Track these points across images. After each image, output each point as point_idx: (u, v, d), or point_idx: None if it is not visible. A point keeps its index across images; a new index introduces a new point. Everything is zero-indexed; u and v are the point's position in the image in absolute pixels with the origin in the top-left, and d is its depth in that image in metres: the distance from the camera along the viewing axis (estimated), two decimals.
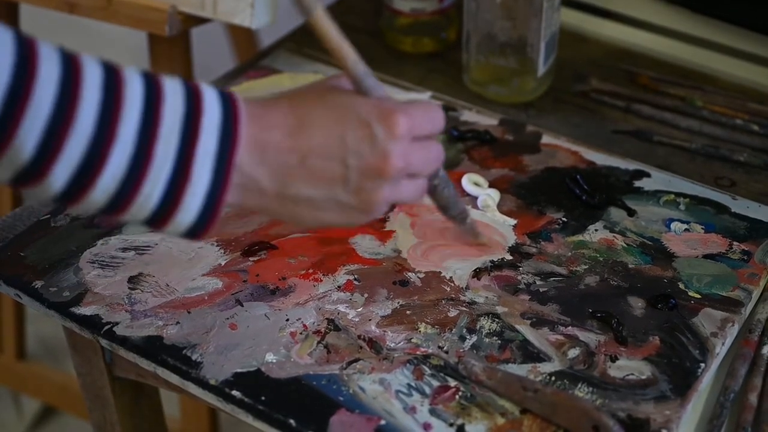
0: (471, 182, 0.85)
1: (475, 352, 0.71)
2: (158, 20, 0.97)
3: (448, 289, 0.76)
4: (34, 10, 1.08)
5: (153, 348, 0.72)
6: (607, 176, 0.87)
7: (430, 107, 0.66)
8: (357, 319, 0.73)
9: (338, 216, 0.65)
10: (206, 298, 0.75)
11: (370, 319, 0.73)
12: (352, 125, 0.63)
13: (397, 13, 1.03)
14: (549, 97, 0.98)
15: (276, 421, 0.67)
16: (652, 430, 0.66)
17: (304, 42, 1.05)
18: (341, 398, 0.68)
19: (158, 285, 0.76)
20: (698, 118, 0.96)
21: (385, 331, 0.72)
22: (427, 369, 0.70)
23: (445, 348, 0.71)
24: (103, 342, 0.74)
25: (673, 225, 0.82)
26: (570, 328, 0.73)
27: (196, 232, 0.61)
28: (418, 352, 0.71)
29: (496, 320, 0.73)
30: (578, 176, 0.86)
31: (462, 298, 0.75)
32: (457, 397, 0.68)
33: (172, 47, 1.04)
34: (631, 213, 0.83)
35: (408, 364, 0.70)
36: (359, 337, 0.72)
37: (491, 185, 0.85)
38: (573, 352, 0.71)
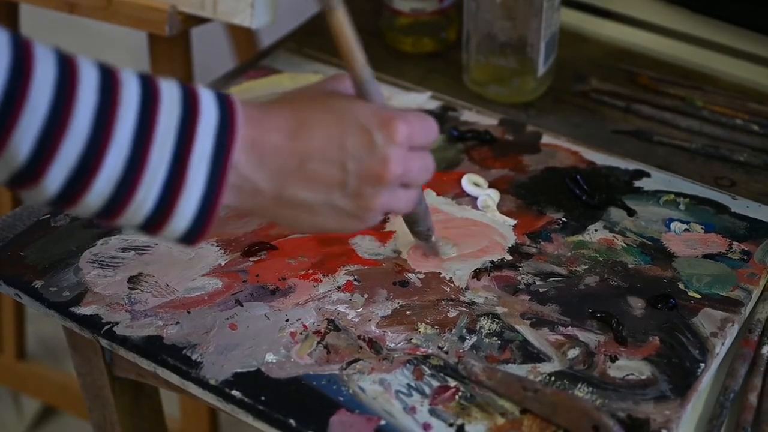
0: (471, 182, 0.85)
1: (474, 352, 0.71)
2: (158, 20, 0.97)
3: (448, 289, 0.76)
4: (34, 10, 1.08)
5: (153, 348, 0.72)
6: (607, 176, 0.87)
7: (426, 118, 0.66)
8: (357, 320, 0.73)
9: (334, 221, 0.65)
10: (206, 298, 0.75)
11: (369, 320, 0.73)
12: (352, 130, 0.62)
13: (397, 13, 1.03)
14: (549, 97, 0.98)
15: (276, 421, 0.67)
16: (652, 430, 0.66)
17: (304, 42, 1.05)
18: (341, 398, 0.68)
19: (158, 285, 0.76)
20: (698, 118, 0.96)
21: (384, 332, 0.72)
22: (426, 369, 0.70)
23: (444, 348, 0.71)
24: (103, 342, 0.74)
25: (673, 225, 0.82)
26: (570, 328, 0.73)
27: (191, 237, 0.61)
28: (417, 353, 0.71)
29: (496, 320, 0.73)
30: (578, 176, 0.86)
31: (462, 298, 0.75)
32: (456, 397, 0.68)
33: (172, 47, 1.04)
34: (631, 213, 0.83)
35: (408, 365, 0.70)
36: (359, 337, 0.72)
37: (491, 185, 0.85)
38: (573, 353, 0.71)
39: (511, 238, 0.81)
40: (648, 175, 0.87)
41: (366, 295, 0.75)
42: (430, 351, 0.71)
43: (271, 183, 0.62)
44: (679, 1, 1.02)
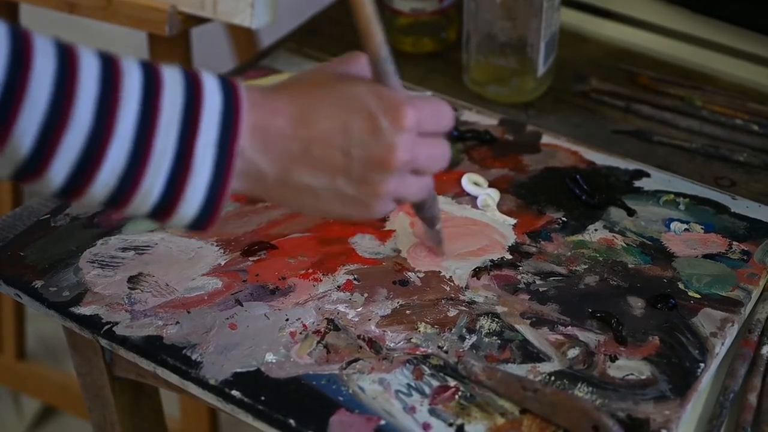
0: (471, 182, 0.85)
1: (474, 351, 0.71)
2: (158, 20, 0.97)
3: (448, 288, 0.76)
4: (34, 10, 1.08)
5: (153, 348, 0.72)
6: (607, 176, 0.87)
7: (439, 104, 0.65)
8: (357, 319, 0.73)
9: (340, 207, 0.64)
10: (206, 297, 0.75)
11: (369, 319, 0.73)
12: (358, 115, 0.61)
13: (397, 13, 1.03)
14: (549, 97, 0.98)
15: (276, 421, 0.67)
16: (652, 430, 0.66)
17: (304, 42, 1.05)
18: (341, 398, 0.68)
19: (158, 285, 0.76)
20: (698, 118, 0.96)
21: (384, 331, 0.72)
22: (426, 369, 0.70)
23: (444, 348, 0.71)
24: (103, 342, 0.74)
25: (672, 225, 0.82)
26: (570, 327, 0.73)
27: (200, 223, 0.61)
28: (417, 352, 0.71)
29: (496, 320, 0.73)
30: (578, 176, 0.86)
31: (461, 297, 0.75)
32: (456, 397, 0.68)
33: (172, 47, 1.04)
34: (630, 213, 0.83)
35: (408, 364, 0.70)
36: (359, 336, 0.72)
37: (491, 185, 0.85)
38: (573, 352, 0.71)
39: (511, 238, 0.81)
40: (648, 175, 0.87)
41: (366, 295, 0.75)
42: (429, 350, 0.71)
43: (276, 168, 0.61)
44: (679, 1, 1.03)
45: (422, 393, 0.68)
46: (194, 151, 0.58)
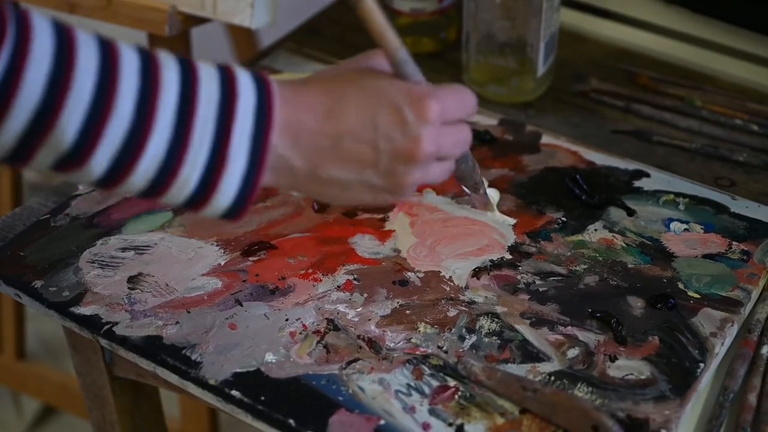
0: None
1: (474, 351, 0.71)
2: (158, 20, 0.97)
3: (448, 288, 0.76)
4: (34, 10, 1.08)
5: (152, 348, 0.72)
6: (607, 176, 0.87)
7: (462, 91, 0.67)
8: (356, 319, 0.73)
9: (368, 196, 0.66)
10: (206, 298, 0.75)
11: (369, 319, 0.73)
12: (384, 109, 0.63)
13: (397, 13, 1.03)
14: (548, 97, 0.98)
15: (275, 421, 0.67)
16: (652, 430, 0.66)
17: (304, 42, 1.05)
18: (341, 398, 0.68)
19: (158, 285, 0.76)
20: (698, 118, 0.96)
21: (384, 331, 0.72)
22: (426, 369, 0.70)
23: (444, 348, 0.71)
24: (103, 342, 0.74)
25: (672, 225, 0.82)
26: (569, 327, 0.73)
27: (232, 213, 0.63)
28: (417, 352, 0.71)
29: (496, 320, 0.73)
30: (578, 176, 0.86)
31: (461, 297, 0.75)
32: (456, 396, 0.68)
33: (172, 47, 1.04)
34: (630, 213, 0.83)
35: (407, 364, 0.70)
36: (359, 336, 0.72)
37: (491, 185, 0.85)
38: (572, 352, 0.71)
39: (511, 238, 0.81)
40: (647, 175, 0.87)
41: (365, 295, 0.75)
42: (429, 350, 0.71)
43: (306, 162, 0.63)
44: (679, 1, 1.03)
45: (422, 393, 0.68)
46: (230, 143, 0.60)
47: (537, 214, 0.83)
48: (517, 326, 0.73)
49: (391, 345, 0.72)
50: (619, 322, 0.73)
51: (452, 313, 0.74)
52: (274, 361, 0.70)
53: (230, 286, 0.76)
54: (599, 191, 0.85)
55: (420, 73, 0.66)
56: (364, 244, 0.80)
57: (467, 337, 0.72)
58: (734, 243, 0.80)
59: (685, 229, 0.82)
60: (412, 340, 0.72)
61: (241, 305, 0.74)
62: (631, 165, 0.88)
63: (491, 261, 0.78)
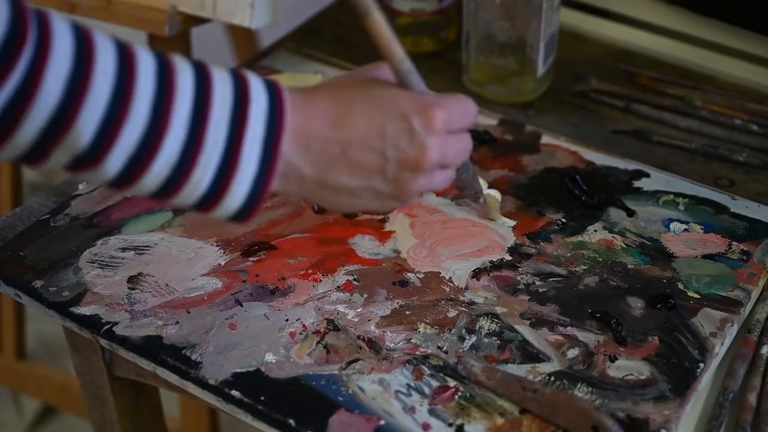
0: None
1: (474, 352, 0.71)
2: (158, 20, 0.97)
3: (448, 289, 0.76)
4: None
5: (152, 348, 0.72)
6: (607, 176, 0.87)
7: (465, 100, 0.68)
8: (356, 320, 0.73)
9: (375, 203, 0.67)
10: (206, 298, 0.75)
11: (369, 320, 0.73)
12: (392, 118, 0.64)
13: (397, 13, 1.03)
14: (548, 97, 0.99)
15: (275, 421, 0.67)
16: (651, 430, 0.66)
17: (304, 42, 1.05)
18: (340, 398, 0.68)
19: (158, 285, 0.76)
20: (697, 118, 0.96)
21: (384, 332, 0.73)
22: (426, 369, 0.70)
23: (444, 348, 0.71)
24: (103, 342, 0.74)
25: (672, 225, 0.82)
26: (569, 328, 0.73)
27: (242, 215, 0.63)
28: (417, 353, 0.71)
29: (496, 320, 0.73)
30: (577, 176, 0.86)
31: (461, 298, 0.75)
32: (456, 397, 0.68)
33: (172, 47, 1.04)
34: (630, 213, 0.83)
35: (407, 365, 0.70)
36: (359, 337, 0.72)
37: (491, 186, 0.85)
38: (572, 353, 0.71)
39: (511, 239, 0.81)
40: (647, 175, 0.87)
41: (365, 295, 0.75)
42: (429, 351, 0.71)
43: (315, 169, 0.64)
44: (679, 1, 1.03)
45: (422, 393, 0.68)
46: (242, 147, 0.61)
47: (537, 215, 0.83)
48: (516, 327, 0.73)
49: (391, 345, 0.72)
50: (619, 323, 0.73)
51: (452, 313, 0.74)
52: (274, 361, 0.70)
53: (230, 287, 0.76)
54: (599, 191, 0.85)
55: (423, 83, 0.67)
56: (364, 245, 0.80)
57: (467, 337, 0.72)
58: (734, 243, 0.80)
59: (685, 230, 0.82)
60: (412, 340, 0.72)
61: (241, 305, 0.75)
62: (630, 165, 0.88)
63: (491, 262, 0.78)
